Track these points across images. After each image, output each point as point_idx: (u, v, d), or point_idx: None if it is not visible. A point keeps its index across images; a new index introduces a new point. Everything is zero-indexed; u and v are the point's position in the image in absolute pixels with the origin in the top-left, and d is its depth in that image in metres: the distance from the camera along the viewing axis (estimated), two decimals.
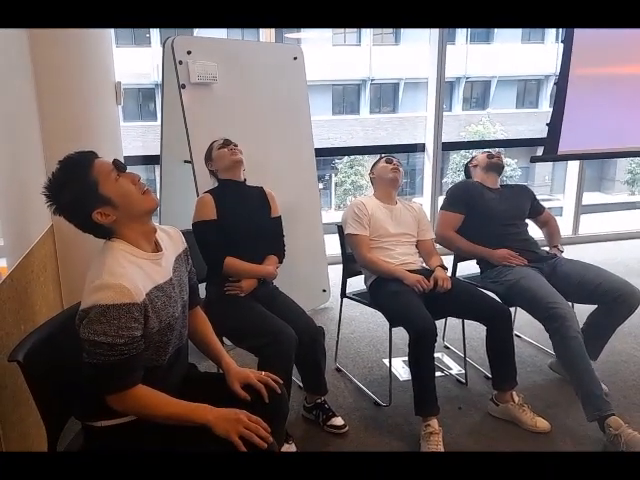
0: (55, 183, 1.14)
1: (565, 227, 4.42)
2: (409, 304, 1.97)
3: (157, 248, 1.24)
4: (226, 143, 2.03)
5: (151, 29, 12.80)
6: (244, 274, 1.96)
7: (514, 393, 2.02)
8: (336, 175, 14.26)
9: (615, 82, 3.67)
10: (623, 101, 3.69)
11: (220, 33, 12.48)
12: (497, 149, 2.63)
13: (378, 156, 2.45)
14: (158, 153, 2.72)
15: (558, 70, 3.52)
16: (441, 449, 1.83)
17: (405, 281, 2.05)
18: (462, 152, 13.50)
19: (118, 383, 1.11)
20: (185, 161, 2.48)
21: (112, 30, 2.53)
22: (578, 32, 3.34)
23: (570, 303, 2.08)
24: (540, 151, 3.71)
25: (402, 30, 14.65)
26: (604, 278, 2.12)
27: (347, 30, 14.68)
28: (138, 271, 1.13)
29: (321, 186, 14.04)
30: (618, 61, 3.65)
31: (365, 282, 2.27)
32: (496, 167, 2.41)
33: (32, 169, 1.91)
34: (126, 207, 1.16)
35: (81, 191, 1.13)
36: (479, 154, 2.51)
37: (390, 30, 14.97)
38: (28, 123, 1.97)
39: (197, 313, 1.48)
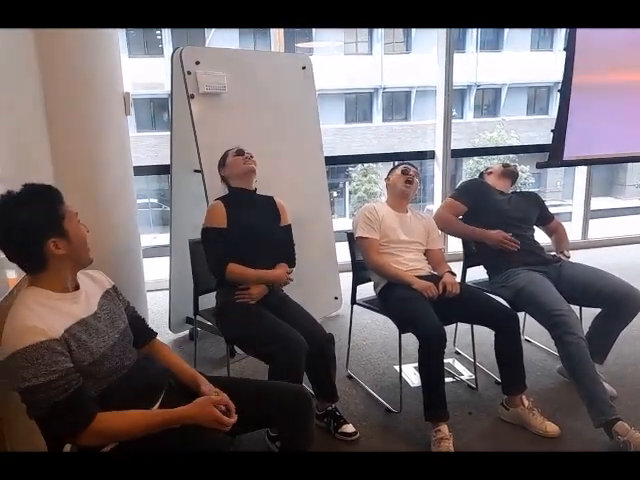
0: (16, 198, 1.15)
1: (574, 232, 4.43)
2: (418, 310, 1.97)
3: (77, 287, 1.27)
4: (240, 152, 2.06)
5: (164, 40, 13.10)
6: (250, 280, 1.96)
7: (524, 397, 2.02)
8: (350, 183, 14.30)
9: (619, 89, 3.73)
10: (627, 107, 3.76)
11: (232, 43, 12.70)
12: (513, 162, 2.66)
13: (392, 164, 2.47)
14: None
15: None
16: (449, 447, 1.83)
17: (414, 286, 2.06)
18: (475, 158, 13.47)
19: (76, 422, 1.11)
20: (195, 170, 2.52)
21: (120, 41, 2.58)
22: (581, 40, 3.42)
23: (577, 307, 2.09)
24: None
25: (413, 39, 14.75)
26: (607, 281, 2.13)
27: (358, 39, 14.81)
28: (52, 312, 1.15)
29: (335, 194, 14.15)
30: (621, 68, 3.71)
31: (374, 288, 2.28)
32: (510, 174, 2.45)
33: (41, 179, 1.95)
34: (77, 249, 1.22)
35: (46, 216, 1.17)
36: (495, 165, 2.55)
37: (401, 39, 15.06)
38: (36, 134, 2.02)
39: (155, 346, 1.48)
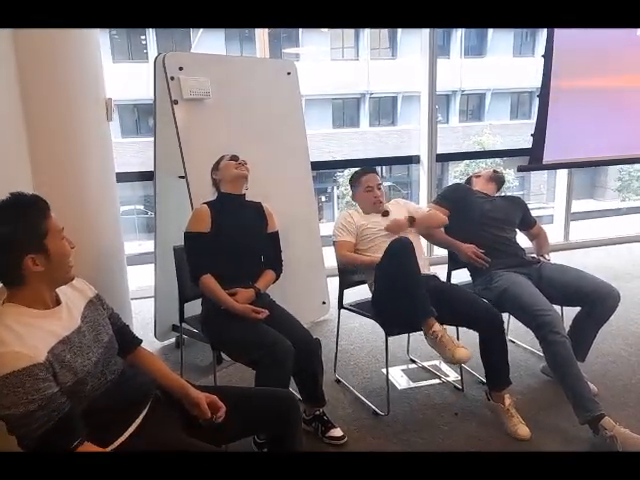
0: (2, 208, 1.13)
1: (556, 234, 4.51)
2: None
3: (57, 301, 1.23)
4: (234, 158, 2.08)
5: (149, 45, 13.03)
6: (214, 298, 1.93)
7: (507, 396, 2.04)
8: (337, 188, 14.36)
9: (597, 93, 3.87)
10: (605, 112, 3.92)
11: (218, 47, 12.68)
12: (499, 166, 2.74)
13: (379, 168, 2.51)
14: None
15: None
16: (453, 342, 1.87)
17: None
18: (465, 162, 13.65)
19: (65, 448, 1.09)
20: (180, 177, 2.51)
21: (104, 46, 2.57)
22: (559, 46, 3.55)
23: (558, 306, 2.14)
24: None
25: (398, 44, 14.89)
26: (585, 280, 2.20)
27: (345, 45, 14.92)
28: (33, 331, 1.11)
29: (323, 199, 14.19)
30: (599, 73, 3.85)
31: (369, 288, 2.29)
32: (497, 179, 2.52)
33: (19, 186, 1.93)
34: (57, 267, 1.18)
35: (28, 231, 1.13)
36: (484, 170, 2.62)
37: (387, 44, 15.21)
38: (14, 140, 1.99)
39: (140, 353, 1.46)
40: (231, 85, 2.66)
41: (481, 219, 2.36)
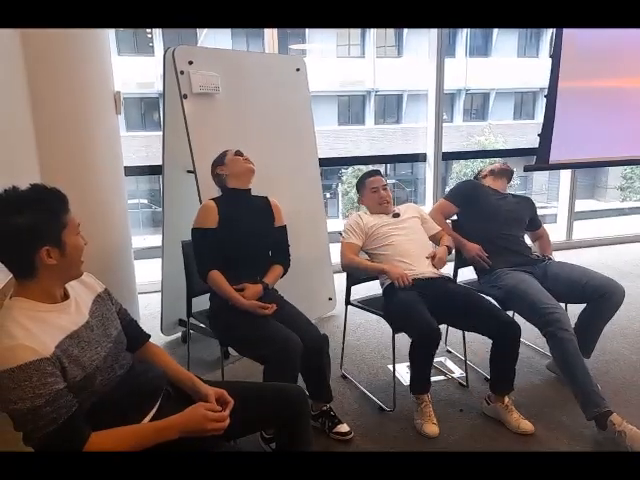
0: (21, 198, 1.11)
1: (559, 233, 4.53)
2: (412, 309, 1.98)
3: (65, 296, 1.22)
4: (240, 153, 2.08)
5: (154, 39, 12.97)
6: (221, 293, 1.94)
7: (506, 397, 2.04)
8: (342, 184, 14.35)
9: (603, 94, 3.86)
10: (611, 113, 3.91)
11: (225, 43, 12.65)
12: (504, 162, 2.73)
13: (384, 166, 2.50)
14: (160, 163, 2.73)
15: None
16: (432, 417, 1.98)
17: (388, 275, 2.11)
18: (462, 162, 13.63)
19: (68, 450, 1.07)
20: (188, 171, 2.51)
21: (111, 39, 2.55)
22: (566, 46, 3.54)
23: (563, 304, 2.15)
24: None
25: (404, 43, 14.85)
26: (590, 277, 2.21)
27: (351, 42, 14.87)
28: (41, 325, 1.10)
29: (329, 195, 14.17)
30: (605, 74, 3.84)
31: (381, 286, 2.29)
32: (506, 172, 2.54)
33: (27, 179, 1.93)
34: (69, 262, 1.17)
35: (47, 223, 1.12)
36: (489, 167, 2.62)
37: (393, 42, 15.16)
38: (21, 134, 2.00)
39: (149, 348, 1.45)
40: (241, 80, 2.65)
41: (491, 215, 2.37)
